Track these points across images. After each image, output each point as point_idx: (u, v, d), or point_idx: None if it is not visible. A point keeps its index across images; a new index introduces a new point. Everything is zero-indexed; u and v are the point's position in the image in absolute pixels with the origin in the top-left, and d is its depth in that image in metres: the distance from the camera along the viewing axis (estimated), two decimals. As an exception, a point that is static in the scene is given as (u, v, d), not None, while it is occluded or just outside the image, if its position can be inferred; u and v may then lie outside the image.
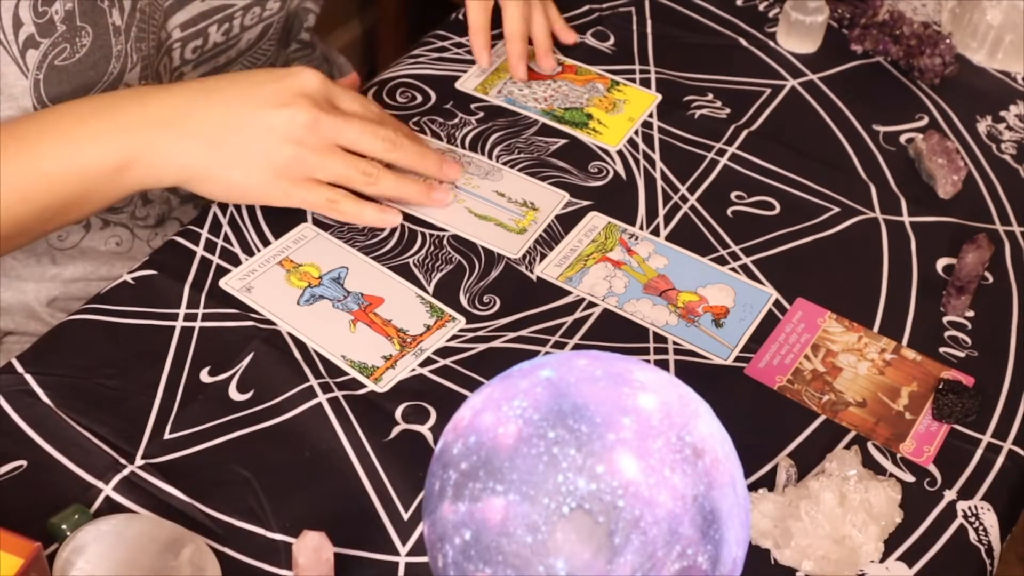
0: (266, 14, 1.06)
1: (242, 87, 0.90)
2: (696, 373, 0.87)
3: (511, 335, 0.89)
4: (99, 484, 0.78)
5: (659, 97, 1.09)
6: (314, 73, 0.92)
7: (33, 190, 0.86)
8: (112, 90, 0.93)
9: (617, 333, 0.90)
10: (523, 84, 1.09)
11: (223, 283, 0.90)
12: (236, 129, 0.89)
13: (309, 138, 0.89)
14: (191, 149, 0.88)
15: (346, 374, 0.85)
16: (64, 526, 0.73)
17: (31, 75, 0.88)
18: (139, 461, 0.79)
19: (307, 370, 0.85)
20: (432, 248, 0.94)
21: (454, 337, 0.88)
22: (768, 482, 0.81)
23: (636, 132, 1.06)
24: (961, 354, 0.91)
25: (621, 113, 1.07)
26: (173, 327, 0.87)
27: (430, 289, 0.91)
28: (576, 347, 0.89)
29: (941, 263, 0.98)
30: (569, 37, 1.13)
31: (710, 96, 1.10)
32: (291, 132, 0.89)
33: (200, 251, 0.92)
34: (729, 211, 1.00)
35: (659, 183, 1.02)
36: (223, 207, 0.96)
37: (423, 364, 0.86)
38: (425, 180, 0.96)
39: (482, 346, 0.88)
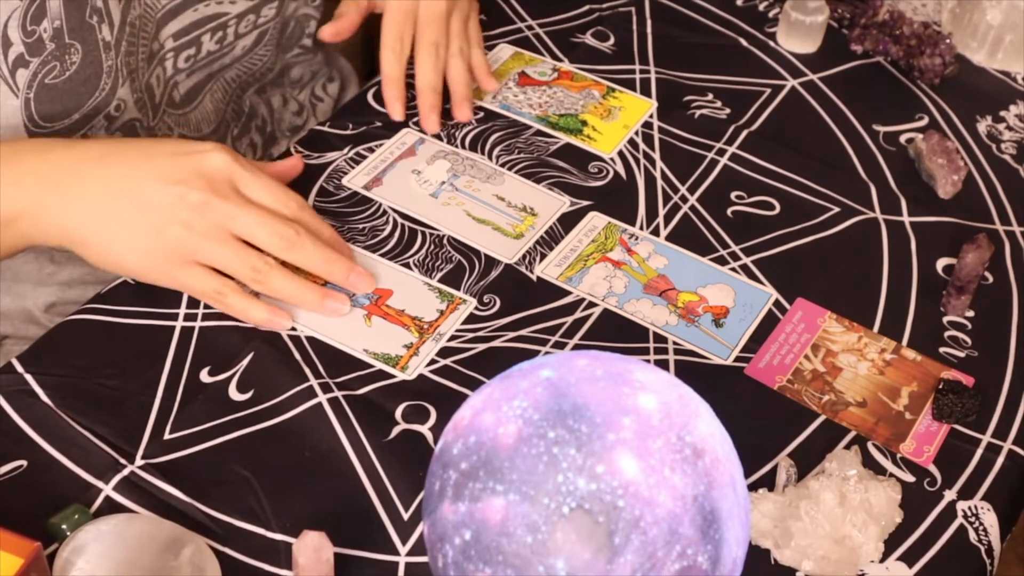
0: (261, 20, 1.05)
1: (142, 155, 0.85)
2: (696, 373, 0.87)
3: (511, 335, 0.89)
4: (99, 484, 0.78)
5: (655, 104, 1.09)
6: (224, 154, 0.85)
7: None
8: (98, 108, 0.93)
9: (617, 333, 0.90)
10: (518, 90, 1.09)
11: None
12: (122, 199, 0.83)
13: (198, 221, 0.83)
14: (74, 212, 0.83)
15: (349, 372, 0.85)
16: (64, 526, 0.73)
17: (21, 94, 0.88)
18: (139, 461, 0.79)
19: (307, 370, 0.85)
20: (432, 247, 0.94)
21: (467, 322, 0.88)
22: (768, 482, 0.81)
23: (636, 132, 1.06)
24: (961, 354, 0.91)
25: (616, 120, 1.07)
26: (173, 327, 0.87)
27: (430, 289, 0.92)
28: (576, 347, 0.89)
29: (941, 263, 0.98)
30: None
31: (710, 96, 1.10)
32: (178, 212, 0.83)
33: (200, 251, 0.92)
34: (729, 211, 1.00)
35: (659, 183, 1.02)
36: (223, 207, 0.95)
37: (424, 364, 0.87)
38: (325, 285, 0.89)
39: (482, 346, 0.88)
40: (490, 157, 1.02)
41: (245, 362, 0.85)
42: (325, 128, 1.03)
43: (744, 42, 1.17)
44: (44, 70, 0.88)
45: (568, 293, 0.93)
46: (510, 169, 1.01)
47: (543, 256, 0.95)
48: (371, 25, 1.10)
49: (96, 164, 0.84)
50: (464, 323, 0.89)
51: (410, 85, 1.08)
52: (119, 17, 0.91)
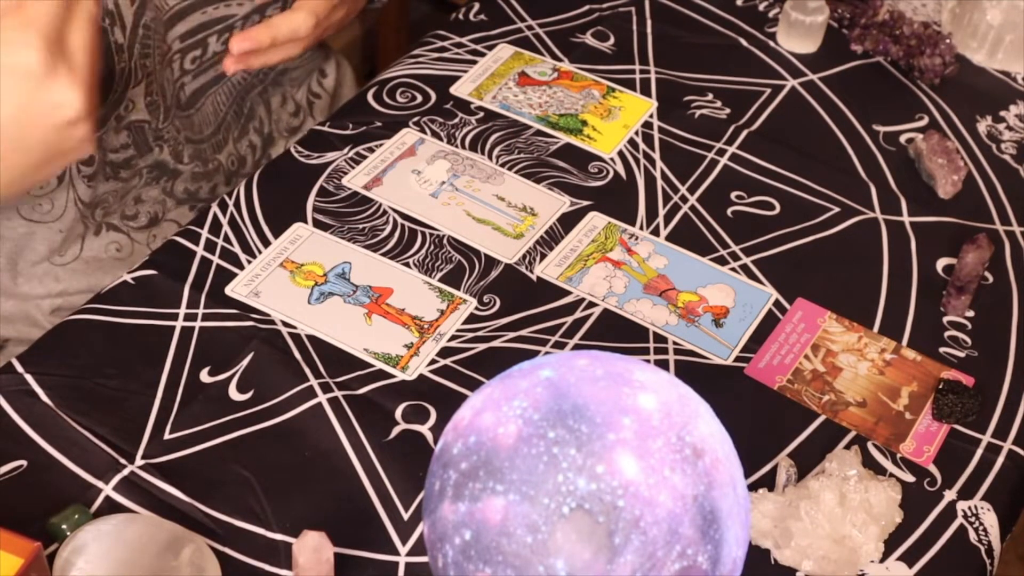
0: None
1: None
2: (696, 373, 0.87)
3: (511, 335, 0.89)
4: (99, 484, 0.78)
5: (655, 104, 1.08)
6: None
7: None
8: (109, 111, 0.93)
9: (617, 333, 0.90)
10: (518, 90, 1.09)
11: (229, 290, 0.90)
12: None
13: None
14: None
15: (349, 372, 0.85)
16: (64, 526, 0.73)
17: None
18: (139, 461, 0.79)
19: (307, 370, 0.85)
20: (432, 248, 0.94)
21: (467, 322, 0.88)
22: (768, 482, 0.81)
23: (636, 132, 1.06)
24: (961, 354, 0.91)
25: (616, 120, 1.07)
26: (173, 327, 0.87)
27: (430, 289, 0.92)
28: (576, 347, 0.89)
29: (941, 263, 0.98)
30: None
31: (710, 96, 1.10)
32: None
33: (200, 251, 0.92)
34: (729, 211, 1.00)
35: (659, 183, 1.02)
36: (223, 207, 0.96)
37: (424, 364, 0.87)
38: None
39: (482, 346, 0.88)
40: (490, 157, 1.02)
41: (245, 362, 0.85)
42: (325, 128, 1.03)
43: (744, 42, 1.17)
44: None
45: (568, 293, 0.93)
46: (510, 169, 1.01)
47: (543, 256, 0.95)
48: (372, 24, 1.09)
49: None
50: (464, 323, 0.89)
51: (405, 83, 1.08)
52: (131, 20, 0.92)
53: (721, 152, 1.05)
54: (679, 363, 0.88)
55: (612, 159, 1.03)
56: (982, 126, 1.11)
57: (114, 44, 0.91)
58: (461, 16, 1.16)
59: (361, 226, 0.95)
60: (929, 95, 1.13)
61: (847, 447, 0.84)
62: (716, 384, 0.85)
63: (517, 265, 0.94)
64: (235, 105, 1.10)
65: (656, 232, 0.98)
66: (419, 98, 1.07)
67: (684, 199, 1.01)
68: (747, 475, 0.81)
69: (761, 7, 1.21)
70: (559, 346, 0.89)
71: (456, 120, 1.05)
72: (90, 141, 0.74)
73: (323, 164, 1.00)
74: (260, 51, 0.96)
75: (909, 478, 0.83)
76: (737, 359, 0.89)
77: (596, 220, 0.98)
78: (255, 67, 0.98)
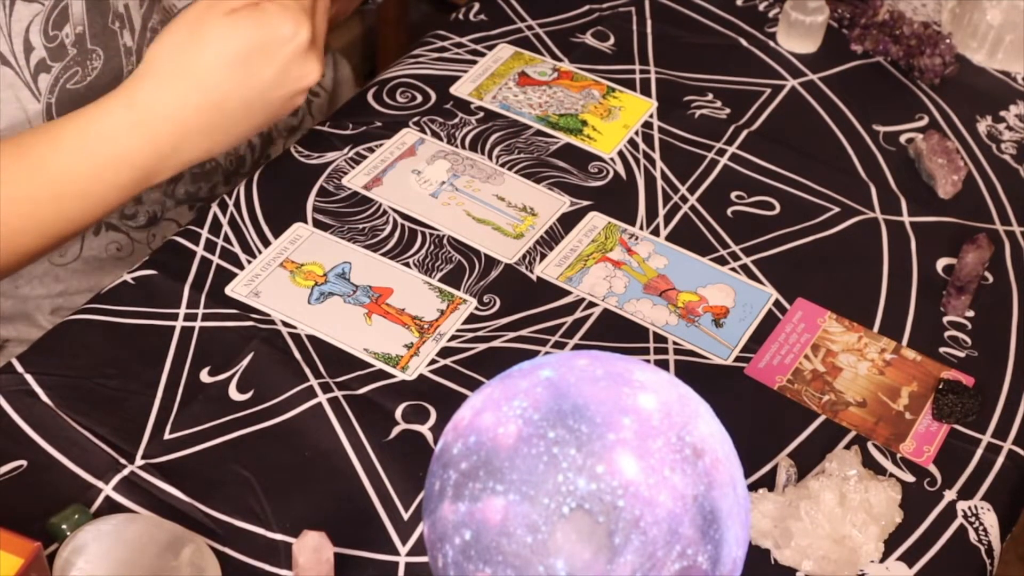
0: None
1: (244, 115, 0.90)
2: (696, 373, 0.87)
3: (511, 335, 0.89)
4: (99, 484, 0.78)
5: (655, 104, 1.08)
6: (316, 75, 0.90)
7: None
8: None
9: (617, 333, 0.90)
10: (518, 90, 1.09)
11: (229, 290, 0.90)
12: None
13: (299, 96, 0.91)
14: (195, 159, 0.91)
15: (349, 372, 0.85)
16: (64, 526, 0.73)
17: (43, 99, 0.88)
18: (139, 461, 0.79)
19: (307, 370, 0.85)
20: (432, 248, 0.94)
21: (467, 322, 0.88)
22: (768, 482, 0.81)
23: (636, 132, 1.06)
24: (961, 354, 0.91)
25: (616, 120, 1.07)
26: (173, 327, 0.87)
27: (430, 289, 0.92)
28: (576, 347, 0.89)
29: (941, 263, 0.98)
30: None
31: (710, 96, 1.10)
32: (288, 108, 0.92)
33: (200, 251, 0.92)
34: (729, 211, 1.00)
35: (659, 183, 1.02)
36: (223, 207, 0.96)
37: (424, 364, 0.87)
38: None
39: (482, 346, 0.88)
40: (490, 157, 1.02)
41: (245, 362, 0.85)
42: (325, 128, 1.03)
43: (744, 42, 1.17)
44: (66, 75, 0.88)
45: (568, 293, 0.93)
46: (510, 169, 1.01)
47: (543, 256, 0.95)
48: (372, 24, 1.09)
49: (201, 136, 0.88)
50: (464, 323, 0.89)
51: (405, 83, 1.08)
52: (140, 23, 0.92)
53: (721, 152, 1.05)
54: (679, 363, 0.88)
55: (612, 159, 1.03)
56: (982, 126, 1.11)
57: (123, 47, 0.91)
58: (461, 16, 1.16)
59: (361, 226, 0.95)
60: (929, 95, 1.13)
61: (847, 447, 0.84)
62: (716, 384, 0.85)
63: (517, 265, 0.94)
64: None
65: (656, 232, 0.98)
66: (419, 98, 1.07)
67: (684, 199, 1.01)
68: (747, 475, 0.81)
69: (761, 7, 1.21)
70: (559, 346, 0.89)
71: (456, 120, 1.05)
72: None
73: (323, 164, 1.00)
74: None
75: (909, 478, 0.83)
76: (737, 359, 0.89)
77: (596, 220, 0.98)
78: None
